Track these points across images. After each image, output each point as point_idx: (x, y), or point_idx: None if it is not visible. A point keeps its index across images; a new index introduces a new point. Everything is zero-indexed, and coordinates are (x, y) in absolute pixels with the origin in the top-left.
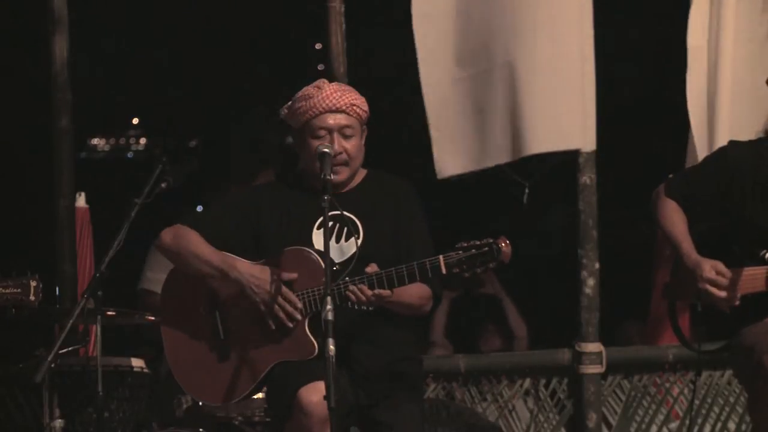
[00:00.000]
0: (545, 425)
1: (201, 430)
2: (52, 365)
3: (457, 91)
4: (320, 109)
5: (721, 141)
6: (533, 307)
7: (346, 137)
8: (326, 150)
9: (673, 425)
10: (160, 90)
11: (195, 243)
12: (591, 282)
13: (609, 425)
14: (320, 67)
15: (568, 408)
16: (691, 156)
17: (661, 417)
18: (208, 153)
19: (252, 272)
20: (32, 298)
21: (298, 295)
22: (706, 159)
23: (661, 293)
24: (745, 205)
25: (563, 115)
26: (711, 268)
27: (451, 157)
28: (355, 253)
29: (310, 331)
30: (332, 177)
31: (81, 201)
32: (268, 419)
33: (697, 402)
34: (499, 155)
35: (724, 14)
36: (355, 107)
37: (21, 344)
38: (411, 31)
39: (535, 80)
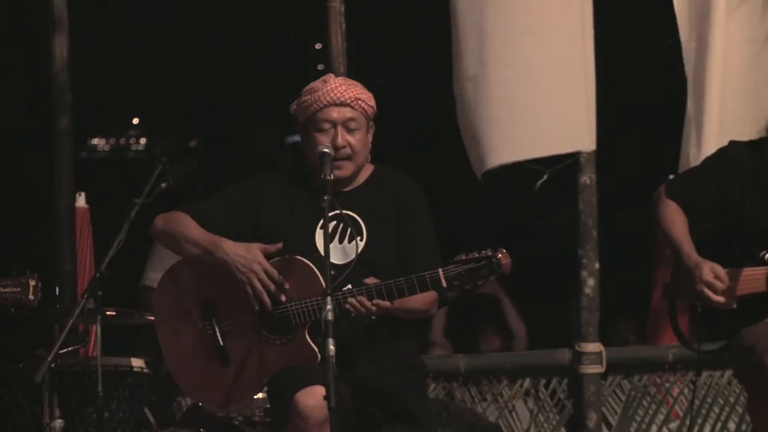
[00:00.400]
0: (545, 425)
1: (201, 430)
2: (52, 365)
3: (482, 87)
4: (325, 102)
5: (710, 141)
6: (533, 307)
7: (350, 131)
8: (326, 150)
9: (673, 425)
10: (160, 90)
11: (183, 224)
12: (591, 282)
13: (609, 425)
14: (320, 67)
15: (568, 408)
16: (684, 157)
17: (661, 417)
18: (208, 153)
19: (237, 251)
20: (31, 297)
21: (295, 305)
22: (707, 160)
23: (662, 293)
24: (745, 205)
25: (566, 117)
26: (710, 271)
27: (484, 154)
28: (360, 254)
29: (311, 339)
30: (335, 172)
31: (81, 201)
32: (268, 419)
33: (697, 402)
34: (522, 151)
35: (713, 13)
36: (360, 101)
37: (20, 344)
38: (410, 32)
39: (537, 82)
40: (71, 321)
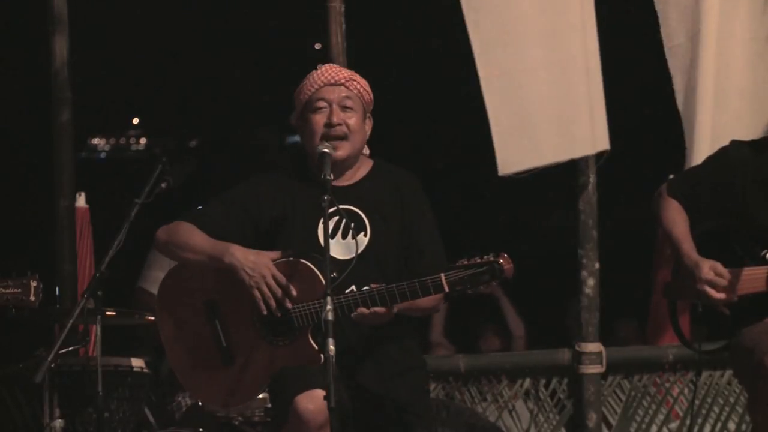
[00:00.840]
0: (545, 425)
1: (201, 430)
2: (52, 365)
3: (511, 86)
4: (319, 83)
5: (704, 140)
6: (533, 307)
7: (345, 110)
8: (326, 150)
9: (673, 425)
10: (160, 90)
11: (188, 233)
12: (591, 282)
13: (609, 425)
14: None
15: (568, 408)
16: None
17: (661, 417)
18: (208, 153)
19: (246, 255)
20: (32, 298)
21: (299, 308)
22: (708, 159)
23: (662, 293)
24: (746, 204)
25: (573, 122)
26: (710, 269)
27: (513, 154)
28: (364, 250)
29: (313, 341)
30: (332, 152)
31: (81, 201)
32: (268, 419)
33: (697, 402)
34: (556, 153)
35: (704, 11)
36: (354, 82)
37: (21, 344)
38: (410, 32)
39: (547, 88)
40: (71, 321)
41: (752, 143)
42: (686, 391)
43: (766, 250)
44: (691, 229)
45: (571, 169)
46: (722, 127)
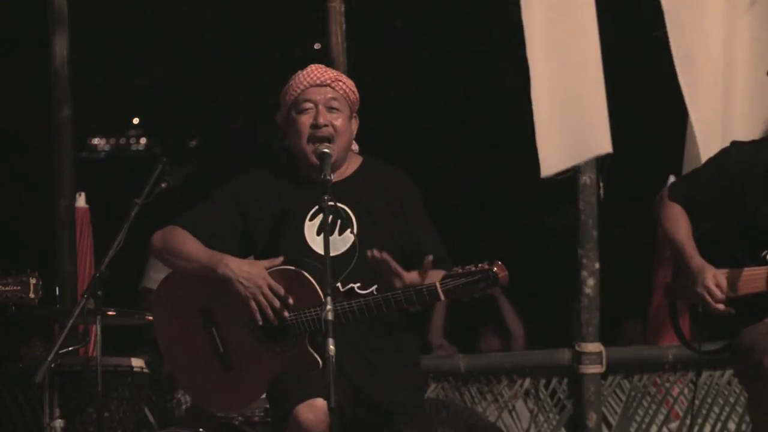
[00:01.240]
0: (545, 425)
1: (201, 430)
2: (52, 365)
3: (550, 85)
4: (305, 84)
5: (714, 141)
6: (533, 307)
7: (331, 110)
8: (326, 150)
9: (673, 425)
10: (160, 90)
11: (182, 242)
12: (591, 282)
13: (609, 425)
14: None
15: (568, 408)
16: (687, 159)
17: (661, 417)
18: (208, 153)
19: (241, 266)
20: (32, 295)
21: (294, 316)
22: (708, 161)
23: (662, 293)
24: (746, 205)
25: (588, 123)
26: (713, 277)
27: (553, 154)
28: (352, 246)
29: (311, 347)
30: (332, 153)
31: (81, 201)
32: (268, 419)
33: (697, 402)
34: (597, 147)
35: (705, 15)
36: (340, 83)
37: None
38: (410, 32)
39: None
40: (71, 321)
41: (753, 143)
42: (686, 391)
43: (766, 251)
44: (692, 231)
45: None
46: (724, 128)
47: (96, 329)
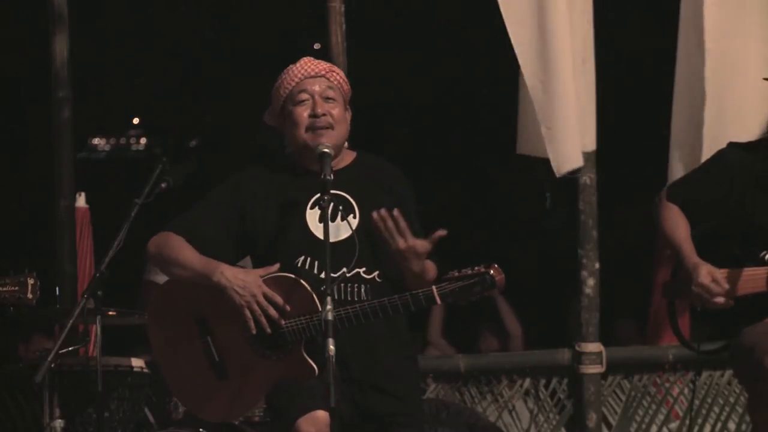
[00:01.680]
0: (545, 425)
1: (201, 430)
2: (52, 365)
3: (557, 87)
4: (300, 76)
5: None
6: (533, 307)
7: (328, 100)
8: (326, 150)
9: (673, 425)
10: (160, 90)
11: (177, 249)
12: (591, 282)
13: (609, 425)
14: None
15: (568, 408)
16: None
17: (661, 417)
18: (208, 153)
19: (236, 275)
20: (30, 296)
21: (290, 323)
22: (706, 162)
23: (661, 292)
24: (744, 205)
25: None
26: (707, 274)
27: (564, 152)
28: (351, 236)
29: (307, 354)
30: (319, 139)
31: (81, 201)
32: (268, 419)
33: (697, 402)
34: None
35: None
36: (334, 73)
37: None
38: (410, 32)
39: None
40: (71, 321)
41: (749, 144)
42: (686, 391)
43: (765, 252)
44: (691, 231)
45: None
46: (722, 129)
47: (96, 329)
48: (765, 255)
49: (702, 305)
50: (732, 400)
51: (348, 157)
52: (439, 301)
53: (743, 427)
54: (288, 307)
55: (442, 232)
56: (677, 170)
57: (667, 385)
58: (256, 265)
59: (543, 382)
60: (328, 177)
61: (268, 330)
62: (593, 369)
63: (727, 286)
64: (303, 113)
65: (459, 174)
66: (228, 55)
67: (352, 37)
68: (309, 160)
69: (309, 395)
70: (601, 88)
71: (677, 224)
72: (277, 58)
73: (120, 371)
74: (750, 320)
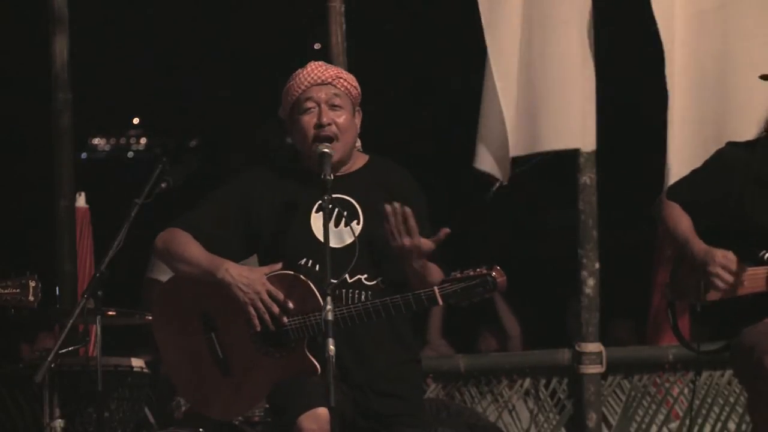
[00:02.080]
0: (545, 425)
1: (201, 430)
2: (52, 365)
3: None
4: (306, 83)
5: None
6: (533, 307)
7: (334, 108)
8: (326, 150)
9: (673, 425)
10: (160, 90)
11: (183, 245)
12: (591, 282)
13: (609, 425)
14: None
15: (568, 408)
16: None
17: (661, 417)
18: (208, 153)
19: (240, 272)
20: (31, 298)
21: (293, 321)
22: (706, 163)
23: (661, 293)
24: (744, 205)
25: (563, 114)
26: (723, 255)
27: (484, 153)
28: (354, 242)
29: (309, 352)
30: (332, 153)
31: (81, 201)
32: (268, 419)
33: (697, 402)
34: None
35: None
36: (341, 80)
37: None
38: (410, 32)
39: (534, 80)
40: (71, 321)
41: (748, 143)
42: (686, 391)
43: (764, 251)
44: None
45: (571, 168)
46: (721, 128)
47: (96, 329)
48: (765, 255)
49: (713, 288)
50: (732, 400)
51: (359, 161)
52: (440, 301)
53: (743, 427)
54: (291, 305)
55: (446, 231)
56: (676, 171)
57: (667, 385)
58: (262, 263)
59: (543, 382)
60: (328, 177)
61: (272, 327)
62: (593, 369)
63: (737, 263)
64: (309, 122)
65: (459, 174)
66: (228, 55)
67: (352, 37)
68: (314, 167)
69: (310, 393)
70: (601, 88)
71: (680, 219)
72: (277, 58)
73: (120, 371)
74: (750, 320)
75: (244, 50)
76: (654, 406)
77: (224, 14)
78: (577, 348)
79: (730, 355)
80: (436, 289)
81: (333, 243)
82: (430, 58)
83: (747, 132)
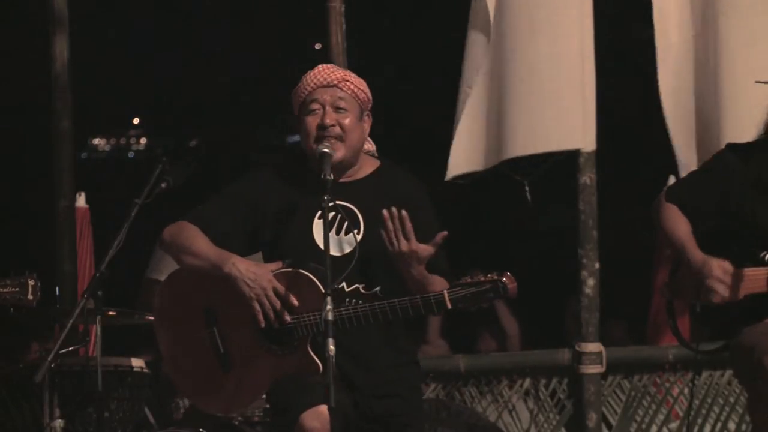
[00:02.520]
0: (545, 425)
1: (201, 430)
2: (52, 365)
3: (471, 91)
4: (312, 85)
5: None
6: (532, 307)
7: (339, 110)
8: (326, 150)
9: (673, 425)
10: (160, 90)
11: (191, 238)
12: (591, 282)
13: (609, 425)
14: None
15: (568, 408)
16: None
17: (661, 417)
18: (208, 153)
19: (248, 267)
20: (30, 297)
21: (297, 319)
22: (704, 164)
23: (660, 292)
24: (743, 206)
25: (563, 114)
26: (719, 266)
27: (460, 157)
28: (354, 249)
29: (312, 351)
30: (332, 153)
31: (81, 201)
32: (267, 419)
33: (697, 402)
34: (500, 154)
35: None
36: (347, 82)
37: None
38: (410, 32)
39: (533, 79)
40: (71, 321)
41: (747, 145)
42: (686, 391)
43: (765, 252)
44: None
45: (571, 168)
46: (722, 128)
47: (96, 329)
48: (765, 255)
49: (705, 303)
50: (732, 400)
51: (367, 167)
52: (449, 305)
53: (743, 427)
54: (296, 303)
55: (443, 234)
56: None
57: (667, 385)
58: (266, 261)
59: (543, 382)
60: (328, 177)
61: (276, 324)
62: (593, 369)
63: (733, 275)
64: (312, 123)
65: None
66: (228, 55)
67: (352, 37)
68: (317, 166)
69: (312, 391)
70: (601, 88)
71: (678, 223)
72: (277, 58)
73: (120, 371)
74: (750, 320)
75: (245, 50)
76: (654, 406)
77: (224, 14)
78: (577, 348)
79: (730, 355)
80: (445, 292)
81: (332, 251)
82: (431, 57)
83: (746, 134)
